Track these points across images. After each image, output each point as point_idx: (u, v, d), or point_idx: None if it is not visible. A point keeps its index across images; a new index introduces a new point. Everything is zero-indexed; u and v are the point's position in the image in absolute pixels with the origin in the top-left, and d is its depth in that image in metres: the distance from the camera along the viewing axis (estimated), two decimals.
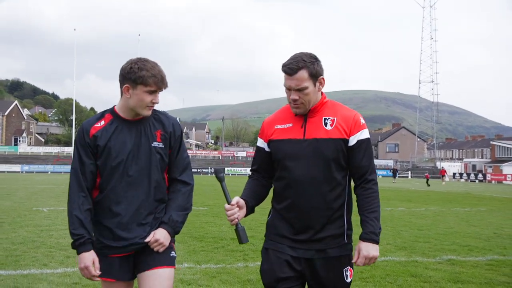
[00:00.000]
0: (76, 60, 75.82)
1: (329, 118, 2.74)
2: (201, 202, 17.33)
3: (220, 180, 2.80)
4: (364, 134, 2.75)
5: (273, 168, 2.88)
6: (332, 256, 2.73)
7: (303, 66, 2.64)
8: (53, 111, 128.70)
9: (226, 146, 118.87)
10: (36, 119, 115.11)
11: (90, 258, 2.72)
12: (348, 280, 2.78)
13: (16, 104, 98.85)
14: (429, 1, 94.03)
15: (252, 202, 2.84)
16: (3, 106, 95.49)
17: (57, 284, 5.68)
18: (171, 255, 2.87)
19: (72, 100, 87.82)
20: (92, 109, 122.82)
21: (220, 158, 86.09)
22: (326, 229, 2.72)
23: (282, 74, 2.75)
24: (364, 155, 2.75)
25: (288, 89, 2.72)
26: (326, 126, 2.72)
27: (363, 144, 2.74)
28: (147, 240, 2.78)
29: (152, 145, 2.83)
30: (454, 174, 74.76)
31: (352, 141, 2.72)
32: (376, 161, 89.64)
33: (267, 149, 2.87)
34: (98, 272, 2.74)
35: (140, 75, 2.69)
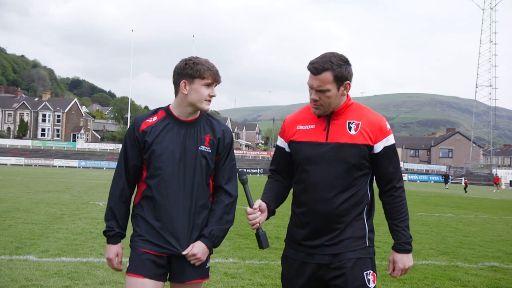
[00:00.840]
0: (132, 59, 78.31)
1: (353, 122, 2.63)
2: None
3: (243, 182, 2.76)
4: (390, 140, 2.65)
5: (293, 169, 2.80)
6: (350, 258, 2.61)
7: (328, 68, 2.54)
8: (110, 109, 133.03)
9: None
10: (94, 116, 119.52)
11: (114, 251, 2.83)
12: (371, 285, 2.63)
13: (75, 101, 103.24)
14: (490, 2, 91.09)
15: (273, 205, 2.78)
16: (64, 104, 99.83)
17: (113, 272, 6.14)
18: (207, 267, 2.89)
19: (128, 98, 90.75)
20: (146, 107, 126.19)
21: (270, 158, 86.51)
22: (344, 232, 2.63)
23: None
24: (391, 162, 2.66)
25: (311, 88, 2.63)
26: (350, 131, 2.61)
27: (389, 150, 2.65)
28: (184, 252, 2.76)
29: (199, 148, 2.81)
30: (511, 181, 72.09)
31: (378, 148, 2.62)
32: (428, 166, 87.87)
33: (287, 149, 2.78)
34: (119, 266, 2.86)
35: (196, 69, 2.74)
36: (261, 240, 2.68)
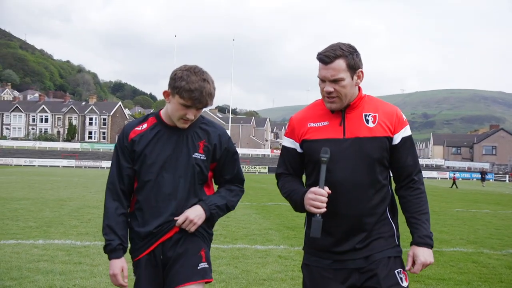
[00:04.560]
0: (175, 63, 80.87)
1: (370, 115, 2.48)
2: None
3: (323, 162, 2.40)
4: (407, 131, 2.53)
5: (303, 171, 2.66)
6: (381, 258, 2.48)
7: (340, 55, 2.38)
8: (151, 111, 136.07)
9: None
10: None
11: (119, 265, 2.59)
12: (404, 284, 2.49)
13: (120, 105, 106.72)
14: None
15: None
16: (109, 107, 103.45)
17: None
18: (199, 267, 2.60)
19: None
20: None
21: None
22: (373, 234, 2.50)
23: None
24: (409, 153, 2.52)
25: (322, 80, 2.45)
26: (368, 123, 2.47)
27: (407, 141, 2.52)
28: (178, 222, 2.57)
29: (193, 156, 2.62)
30: None
31: (397, 139, 2.49)
32: (470, 164, 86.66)
33: (299, 150, 2.58)
34: (126, 281, 2.62)
35: (178, 85, 2.49)
36: (319, 226, 2.38)
